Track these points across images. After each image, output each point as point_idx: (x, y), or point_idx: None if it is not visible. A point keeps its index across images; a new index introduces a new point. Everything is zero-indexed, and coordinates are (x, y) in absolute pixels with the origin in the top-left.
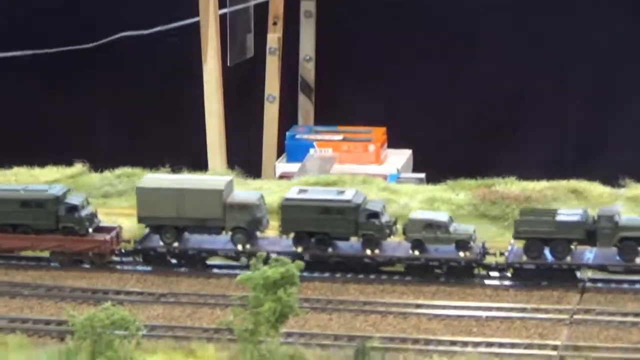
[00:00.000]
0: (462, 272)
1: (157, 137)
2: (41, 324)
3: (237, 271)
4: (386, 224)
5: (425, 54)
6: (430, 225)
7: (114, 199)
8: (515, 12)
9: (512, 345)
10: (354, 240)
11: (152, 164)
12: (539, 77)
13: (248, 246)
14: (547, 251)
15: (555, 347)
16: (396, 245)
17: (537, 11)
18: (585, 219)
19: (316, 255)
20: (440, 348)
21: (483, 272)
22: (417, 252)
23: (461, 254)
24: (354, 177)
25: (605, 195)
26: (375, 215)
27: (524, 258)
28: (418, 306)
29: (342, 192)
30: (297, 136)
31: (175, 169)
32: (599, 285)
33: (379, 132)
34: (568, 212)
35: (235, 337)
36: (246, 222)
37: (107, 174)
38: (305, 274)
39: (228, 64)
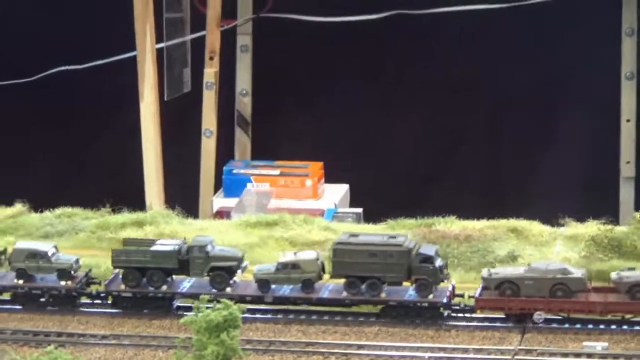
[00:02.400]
0: (65, 299)
1: (96, 175)
2: None
3: (179, 313)
4: None
5: (363, 90)
6: (33, 254)
7: (55, 239)
8: (452, 55)
9: None
10: None
11: (92, 204)
12: (475, 120)
13: None
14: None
15: None
16: (3, 274)
17: (470, 56)
18: (179, 249)
19: None
20: None
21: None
22: (21, 281)
23: (62, 282)
24: (294, 216)
25: (544, 234)
26: None
27: (123, 286)
28: (360, 347)
29: None
30: (234, 171)
31: (115, 209)
32: (540, 325)
33: (316, 167)
34: (165, 243)
35: None
36: None
37: (47, 214)
38: (247, 315)
39: (165, 99)
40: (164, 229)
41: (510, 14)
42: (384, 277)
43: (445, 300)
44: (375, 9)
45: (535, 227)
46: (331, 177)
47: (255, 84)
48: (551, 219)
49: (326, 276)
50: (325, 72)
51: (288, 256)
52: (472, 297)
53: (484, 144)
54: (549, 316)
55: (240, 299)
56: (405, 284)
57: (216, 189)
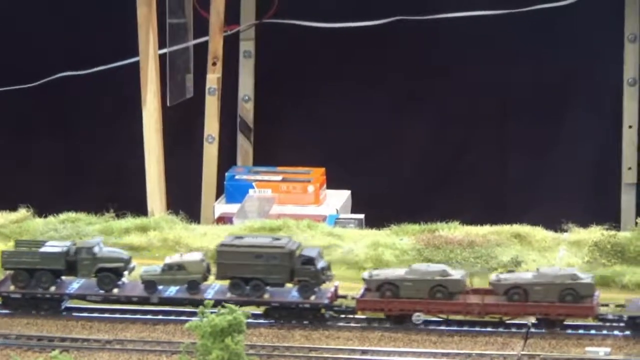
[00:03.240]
0: None
1: (98, 180)
2: None
3: (182, 317)
4: None
5: (365, 96)
6: None
7: None
8: (454, 61)
9: None
10: None
11: (96, 209)
12: (477, 126)
13: None
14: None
15: None
16: None
17: (475, 60)
18: (67, 251)
19: None
20: None
21: None
22: None
23: None
24: (298, 222)
25: (548, 239)
26: None
27: (12, 287)
28: (364, 352)
29: None
30: (237, 177)
31: (119, 214)
32: (543, 330)
33: (318, 173)
34: (53, 244)
35: None
36: None
37: (51, 219)
38: (250, 320)
39: (168, 105)
40: (168, 234)
41: (513, 20)
42: (267, 279)
43: (326, 302)
44: (378, 15)
45: (538, 232)
46: (333, 183)
47: (257, 90)
48: (554, 225)
49: (212, 277)
50: (328, 78)
51: (174, 258)
52: (354, 298)
53: (486, 150)
54: (429, 318)
55: (127, 300)
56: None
57: (218, 195)
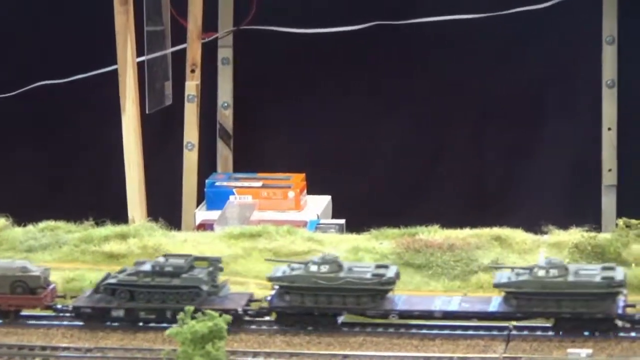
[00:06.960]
0: None
1: (78, 189)
2: None
3: (163, 325)
4: None
5: (344, 101)
6: None
7: (38, 253)
8: (433, 65)
9: None
10: None
11: (76, 217)
12: (457, 129)
13: None
14: None
15: None
16: None
17: (453, 63)
18: None
19: None
20: None
21: None
22: None
23: None
24: (278, 227)
25: (528, 241)
26: None
27: None
28: (345, 357)
29: None
30: (217, 183)
31: (98, 222)
32: (525, 333)
33: (298, 179)
34: None
35: None
36: None
37: (30, 228)
38: (233, 327)
39: (147, 112)
40: (147, 241)
41: (492, 23)
42: None
43: None
44: (357, 20)
45: (518, 235)
46: (313, 188)
47: (236, 96)
48: (534, 227)
49: None
50: (307, 83)
51: None
52: None
53: (466, 153)
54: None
55: None
56: None
57: (199, 202)
